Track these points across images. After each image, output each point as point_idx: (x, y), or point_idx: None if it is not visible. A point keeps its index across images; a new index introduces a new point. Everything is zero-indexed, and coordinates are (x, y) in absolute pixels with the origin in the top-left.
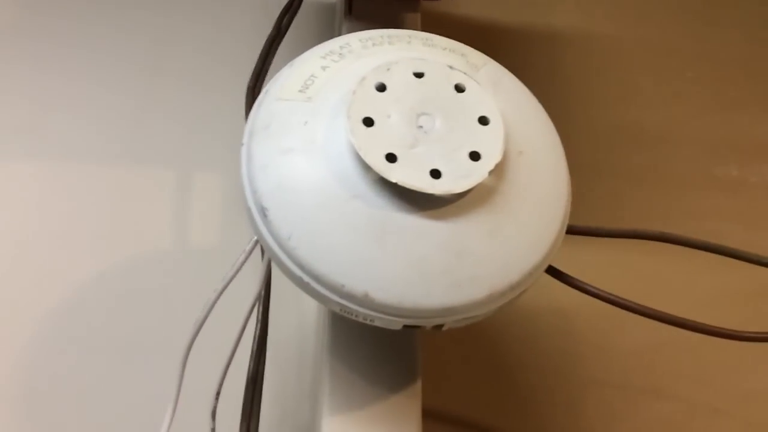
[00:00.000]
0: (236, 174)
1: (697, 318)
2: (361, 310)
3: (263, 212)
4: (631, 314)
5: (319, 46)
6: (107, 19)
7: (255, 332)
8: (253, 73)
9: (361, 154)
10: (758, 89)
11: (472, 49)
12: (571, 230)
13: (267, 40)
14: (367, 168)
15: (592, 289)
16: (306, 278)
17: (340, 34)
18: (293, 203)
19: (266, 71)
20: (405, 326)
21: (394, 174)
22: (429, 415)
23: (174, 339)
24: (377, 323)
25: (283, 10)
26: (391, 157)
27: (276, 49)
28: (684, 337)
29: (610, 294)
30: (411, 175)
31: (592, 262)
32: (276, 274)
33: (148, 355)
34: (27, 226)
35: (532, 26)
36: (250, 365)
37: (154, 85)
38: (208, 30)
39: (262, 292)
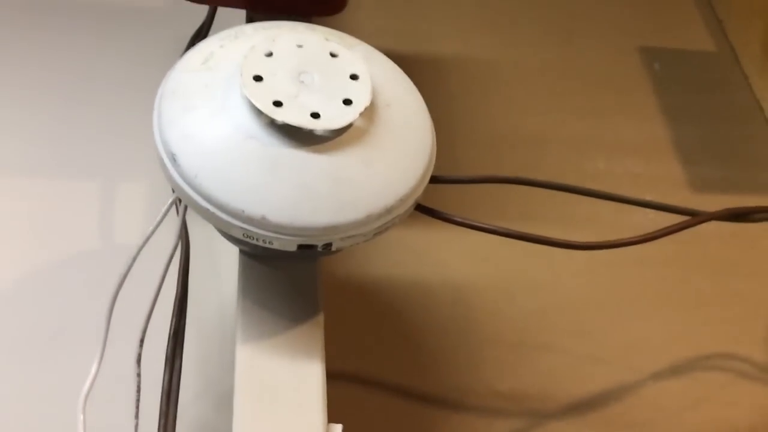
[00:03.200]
0: (157, 181)
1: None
2: (260, 232)
3: (173, 158)
4: (518, 284)
5: (218, 33)
6: (34, 32)
7: (177, 289)
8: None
9: (253, 101)
10: (617, 98)
11: (349, 36)
12: (437, 179)
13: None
14: (258, 113)
15: (459, 220)
16: (212, 209)
17: None
18: (198, 147)
19: None
20: (299, 246)
21: (281, 115)
22: (338, 377)
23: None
24: (275, 245)
25: (196, 31)
26: (277, 104)
27: None
28: (568, 301)
29: (475, 221)
30: (295, 117)
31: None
32: (194, 238)
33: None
34: None
35: (421, 54)
36: (172, 320)
37: (76, 101)
38: (129, 48)
39: (181, 246)
